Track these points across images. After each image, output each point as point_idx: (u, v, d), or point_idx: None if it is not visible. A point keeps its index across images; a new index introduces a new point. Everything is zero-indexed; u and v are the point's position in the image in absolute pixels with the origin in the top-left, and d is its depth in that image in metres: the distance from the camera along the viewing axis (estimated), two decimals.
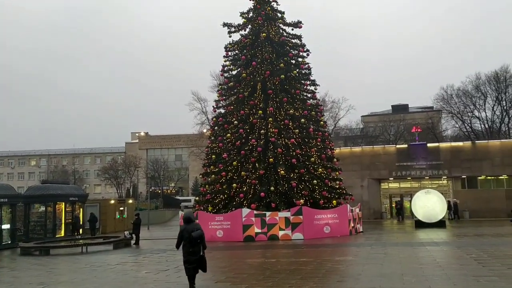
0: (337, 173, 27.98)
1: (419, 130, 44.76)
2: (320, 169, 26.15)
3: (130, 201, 44.87)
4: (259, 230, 23.13)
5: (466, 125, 56.65)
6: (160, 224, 47.77)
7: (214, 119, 28.10)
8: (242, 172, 24.78)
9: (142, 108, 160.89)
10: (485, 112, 55.80)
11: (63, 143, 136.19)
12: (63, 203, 29.92)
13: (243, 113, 26.09)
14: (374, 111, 78.91)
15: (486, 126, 55.94)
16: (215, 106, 28.39)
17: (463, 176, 39.82)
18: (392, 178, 41.09)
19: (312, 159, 25.67)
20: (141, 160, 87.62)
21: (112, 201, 39.53)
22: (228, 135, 26.15)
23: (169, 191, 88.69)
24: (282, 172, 24.22)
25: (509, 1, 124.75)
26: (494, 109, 55.28)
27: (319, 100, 30.63)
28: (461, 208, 38.96)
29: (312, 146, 26.19)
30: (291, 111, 25.86)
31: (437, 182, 41.05)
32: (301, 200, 24.04)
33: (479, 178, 39.93)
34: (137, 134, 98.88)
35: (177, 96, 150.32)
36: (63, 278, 13.63)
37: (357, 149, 43.75)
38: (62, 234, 29.30)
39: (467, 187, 40.17)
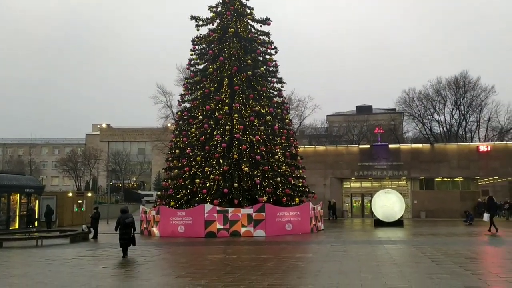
0: (301, 171, 28.31)
1: (381, 131, 45.89)
2: (284, 167, 26.38)
3: (89, 194, 43.81)
4: (221, 226, 23.14)
5: (426, 127, 58.49)
6: None
7: (179, 113, 27.89)
8: (206, 168, 24.71)
9: (104, 99, 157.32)
10: (444, 116, 57.91)
11: (20, 132, 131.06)
12: (18, 194, 28.97)
13: (208, 108, 25.98)
14: (339, 111, 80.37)
15: (445, 129, 57.98)
16: (180, 100, 28.19)
17: (421, 177, 41.19)
18: (354, 178, 41.96)
19: (277, 156, 25.89)
20: (102, 152, 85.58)
21: (70, 194, 38.50)
22: (193, 130, 25.99)
23: (130, 185, 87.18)
24: (246, 168, 24.31)
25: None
26: (453, 113, 57.40)
27: (285, 98, 30.88)
28: (418, 208, 40.32)
29: (276, 143, 26.37)
30: (257, 108, 25.97)
31: (397, 182, 42.25)
32: (264, 197, 24.21)
33: (436, 179, 41.42)
34: (98, 126, 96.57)
35: (142, 88, 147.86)
36: (16, 271, 13.21)
37: (321, 148, 44.40)
38: (16, 227, 28.36)
39: (425, 188, 41.57)
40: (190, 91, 28.31)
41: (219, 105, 26.13)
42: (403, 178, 41.44)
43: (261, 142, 25.43)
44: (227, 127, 25.22)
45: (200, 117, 26.10)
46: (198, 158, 25.11)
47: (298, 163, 28.31)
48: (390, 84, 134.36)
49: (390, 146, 42.33)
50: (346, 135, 65.60)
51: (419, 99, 58.44)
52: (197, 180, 24.76)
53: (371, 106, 79.21)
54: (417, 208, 40.45)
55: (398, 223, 29.36)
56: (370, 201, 36.34)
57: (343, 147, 44.71)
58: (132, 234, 15.98)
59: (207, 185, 24.58)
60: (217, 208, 23.34)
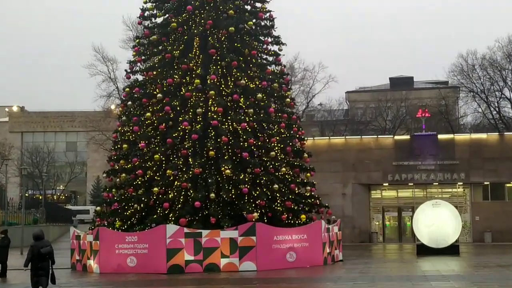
0: (309, 174, 28.35)
1: (427, 114, 46.03)
2: (283, 169, 26.38)
3: None
4: (192, 257, 23.12)
5: (492, 109, 58.74)
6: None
7: (128, 89, 27.77)
8: (168, 171, 24.64)
9: (18, 75, 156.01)
10: None
11: None
12: None
13: (171, 82, 25.87)
14: (364, 86, 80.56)
15: None
16: (129, 71, 28.05)
17: (485, 183, 41.42)
18: (387, 184, 42.06)
19: (273, 153, 25.86)
20: (12, 148, 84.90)
21: None
22: (148, 114, 25.90)
23: (56, 198, 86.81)
24: (228, 171, 24.27)
25: None
26: None
27: (285, 66, 30.82)
28: (481, 228, 40.59)
29: (273, 134, 26.35)
30: (243, 81, 25.90)
31: (450, 190, 42.47)
32: (255, 214, 24.20)
33: (508, 185, 41.73)
34: (7, 110, 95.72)
35: (72, 53, 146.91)
36: None
37: (338, 140, 44.39)
38: None
39: (490, 197, 41.82)
40: (143, 57, 28.10)
41: (187, 78, 26.01)
42: (459, 183, 41.69)
43: (249, 132, 25.38)
44: (199, 110, 25.14)
45: (159, 95, 25.99)
46: (157, 156, 25.01)
47: (305, 162, 28.33)
48: (439, 50, 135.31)
49: (440, 136, 42.49)
50: (375, 120, 65.79)
51: (482, 68, 58.65)
52: (155, 188, 24.69)
53: (411, 78, 79.40)
54: (480, 228, 40.70)
55: (451, 250, 29.57)
56: (411, 218, 36.55)
57: (370, 138, 44.80)
58: (50, 270, 16.01)
59: (170, 196, 24.50)
60: (185, 230, 23.28)
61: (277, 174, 25.95)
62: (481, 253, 31.29)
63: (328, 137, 46.29)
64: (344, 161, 41.75)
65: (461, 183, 41.54)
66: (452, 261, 26.19)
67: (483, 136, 43.53)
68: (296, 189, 26.97)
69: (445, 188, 42.29)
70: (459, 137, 43.56)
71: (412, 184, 41.78)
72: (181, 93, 25.83)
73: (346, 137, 46.98)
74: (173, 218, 24.04)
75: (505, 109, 59.31)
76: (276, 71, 28.43)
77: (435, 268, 23.30)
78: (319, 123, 66.78)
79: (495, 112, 58.67)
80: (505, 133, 44.94)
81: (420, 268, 23.71)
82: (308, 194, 27.71)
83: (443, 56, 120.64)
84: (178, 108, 25.68)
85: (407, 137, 44.19)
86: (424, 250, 29.72)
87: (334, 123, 66.11)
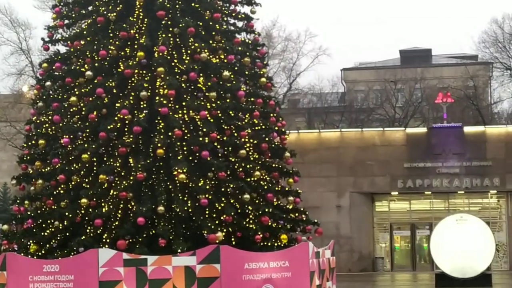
0: (291, 180, 28.49)
1: (449, 100, 46.55)
2: (257, 172, 26.43)
3: None
4: None
5: None
6: None
7: (46, 65, 27.52)
8: (101, 176, 24.52)
9: None
10: None
11: None
12: None
13: (105, 54, 25.80)
14: (366, 61, 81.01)
15: None
16: (47, 39, 27.94)
17: None
18: (396, 193, 42.58)
19: (243, 151, 25.89)
20: None
21: None
22: (74, 99, 25.72)
23: None
24: (182, 176, 24.27)
25: None
26: None
27: (259, 34, 30.89)
28: None
29: (243, 126, 26.41)
30: (203, 54, 25.92)
31: (480, 200, 43.09)
32: (219, 234, 24.26)
33: None
34: None
35: None
36: None
37: (332, 134, 44.79)
38: None
39: None
40: (67, 21, 27.96)
41: (127, 50, 25.98)
42: (492, 192, 42.27)
43: (211, 123, 25.45)
44: (144, 93, 25.12)
45: (89, 73, 25.84)
46: (86, 156, 24.88)
47: (287, 164, 28.51)
48: (465, 15, 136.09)
49: (467, 129, 43.09)
50: (380, 108, 66.30)
51: None
52: (84, 200, 24.58)
53: (429, 51, 79.99)
54: None
55: (482, 281, 29.97)
56: (429, 238, 36.89)
57: (374, 132, 45.24)
58: None
59: (104, 209, 24.43)
60: (125, 255, 23.24)
61: (249, 179, 26.06)
62: None
63: (318, 130, 46.60)
64: (339, 162, 42.09)
65: (495, 191, 42.22)
66: None
67: None
68: (275, 200, 27.03)
69: (474, 198, 42.96)
70: (492, 130, 44.22)
71: (429, 193, 42.33)
72: (119, 70, 25.77)
73: (342, 130, 47.36)
74: (108, 240, 23.99)
75: None
76: (248, 40, 28.52)
77: None
78: (306, 111, 67.14)
79: None
80: None
81: None
82: (290, 207, 27.84)
83: (470, 23, 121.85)
84: (114, 91, 25.55)
85: (423, 129, 44.75)
86: (445, 281, 30.08)
87: (326, 111, 66.49)
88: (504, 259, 41.39)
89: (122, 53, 26.00)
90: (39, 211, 26.00)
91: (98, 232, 24.30)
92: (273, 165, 27.79)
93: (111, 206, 24.44)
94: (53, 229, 25.26)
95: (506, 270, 40.43)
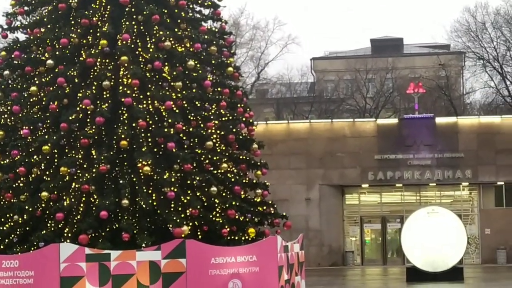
0: (259, 172, 28.40)
1: (421, 90, 46.68)
2: (224, 165, 26.31)
3: None
4: None
5: (509, 83, 59.89)
6: None
7: (4, 53, 27.06)
8: (63, 168, 24.25)
9: None
10: None
11: None
12: None
13: (66, 42, 25.51)
14: (336, 51, 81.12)
15: None
16: (6, 27, 27.56)
17: (499, 183, 42.29)
18: (367, 185, 42.61)
19: (209, 143, 25.75)
20: None
21: None
22: (34, 88, 25.45)
23: None
24: (147, 168, 24.08)
25: None
26: None
27: (226, 22, 30.71)
28: (493, 244, 41.45)
29: (209, 116, 26.30)
30: (167, 42, 25.74)
31: (452, 193, 43.27)
32: (185, 227, 24.12)
33: None
34: None
35: None
36: None
37: (301, 125, 44.69)
38: None
39: (505, 203, 42.72)
40: (26, 8, 27.53)
41: (89, 38, 25.74)
42: (464, 184, 42.46)
43: (176, 114, 25.27)
44: (106, 82, 24.87)
45: (50, 61, 25.56)
46: (46, 147, 24.62)
47: (254, 156, 28.44)
48: (437, 4, 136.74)
49: (439, 120, 43.23)
50: (351, 98, 66.44)
51: (495, 26, 59.75)
52: (44, 193, 24.31)
53: (400, 40, 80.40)
54: (491, 244, 41.61)
55: (453, 275, 30.10)
56: (400, 231, 37.01)
57: (345, 123, 45.28)
58: None
59: (66, 203, 24.19)
60: (87, 250, 23.01)
61: (215, 172, 25.93)
62: (492, 279, 32.00)
63: (286, 121, 46.53)
64: (308, 154, 42.06)
65: (467, 183, 42.41)
66: None
67: (496, 119, 44.51)
68: (242, 192, 26.94)
69: (445, 191, 43.17)
70: (465, 121, 44.42)
71: (400, 185, 42.44)
72: (81, 59, 25.50)
73: (312, 121, 47.34)
74: (69, 234, 23.78)
75: None
76: (214, 29, 28.34)
77: None
78: (275, 101, 67.11)
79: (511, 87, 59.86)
80: None
81: None
82: (258, 200, 27.79)
83: (442, 12, 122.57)
84: (76, 80, 25.29)
85: (395, 120, 44.84)
86: (416, 275, 30.18)
87: (295, 101, 66.50)
88: (476, 253, 41.65)
89: (84, 41, 25.74)
90: None
91: (59, 226, 24.06)
92: (241, 157, 27.70)
93: (72, 200, 24.22)
94: (12, 224, 24.94)
95: (478, 264, 40.69)
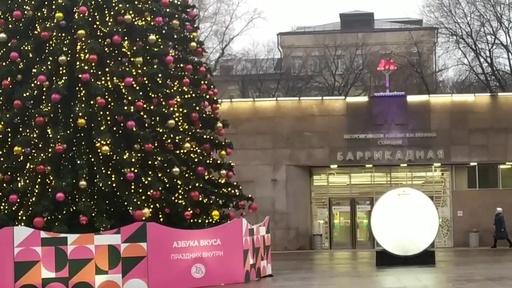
0: (224, 152, 28.48)
1: (392, 67, 46.74)
2: (187, 144, 26.31)
3: None
4: (52, 274, 22.83)
5: (483, 60, 60.16)
6: None
7: None
8: (16, 147, 24.15)
9: None
10: None
11: None
12: None
13: (19, 15, 25.27)
14: (304, 26, 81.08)
15: None
16: None
17: (472, 164, 42.61)
18: (336, 166, 42.69)
19: (171, 121, 25.74)
20: None
21: None
22: None
23: None
24: (106, 148, 24.02)
25: None
26: None
27: None
28: (466, 226, 41.83)
29: (171, 94, 26.27)
30: (127, 16, 25.59)
31: (424, 174, 43.51)
32: (146, 210, 24.12)
33: (502, 167, 43.17)
34: None
35: None
36: None
37: (267, 103, 44.62)
38: None
39: (478, 185, 43.07)
40: None
41: (44, 10, 25.47)
42: (436, 165, 42.72)
43: (137, 91, 25.22)
44: (63, 58, 24.72)
45: (2, 35, 25.41)
46: None
47: (219, 135, 28.46)
48: None
49: (410, 98, 43.38)
50: (319, 75, 66.48)
51: (469, 1, 59.90)
52: None
53: (371, 15, 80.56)
54: (464, 227, 41.95)
55: (424, 258, 30.30)
56: (369, 214, 37.18)
57: (313, 101, 45.23)
58: None
59: (20, 184, 24.12)
60: (43, 234, 22.95)
61: (178, 152, 25.94)
62: (464, 262, 32.26)
63: (252, 99, 46.47)
64: (275, 133, 42.02)
65: (439, 164, 42.64)
66: (425, 274, 26.87)
67: (469, 98, 44.70)
68: (206, 173, 26.97)
69: (417, 172, 43.38)
70: (437, 99, 44.61)
71: (370, 166, 42.58)
72: (35, 32, 25.31)
73: (278, 99, 47.27)
74: (24, 217, 23.68)
75: (499, 60, 61.08)
76: (176, 2, 28.16)
77: (401, 284, 23.83)
78: (240, 78, 66.97)
79: (486, 64, 60.14)
80: (499, 93, 46.23)
81: (380, 285, 24.14)
82: (223, 181, 27.83)
83: None
84: (30, 55, 25.14)
85: (365, 99, 44.95)
86: (386, 259, 30.32)
87: (261, 78, 66.43)
88: (448, 236, 41.91)
89: (39, 14, 25.50)
90: None
91: (13, 208, 23.98)
92: (204, 136, 27.71)
93: (27, 181, 24.13)
94: None
95: (450, 247, 40.96)
